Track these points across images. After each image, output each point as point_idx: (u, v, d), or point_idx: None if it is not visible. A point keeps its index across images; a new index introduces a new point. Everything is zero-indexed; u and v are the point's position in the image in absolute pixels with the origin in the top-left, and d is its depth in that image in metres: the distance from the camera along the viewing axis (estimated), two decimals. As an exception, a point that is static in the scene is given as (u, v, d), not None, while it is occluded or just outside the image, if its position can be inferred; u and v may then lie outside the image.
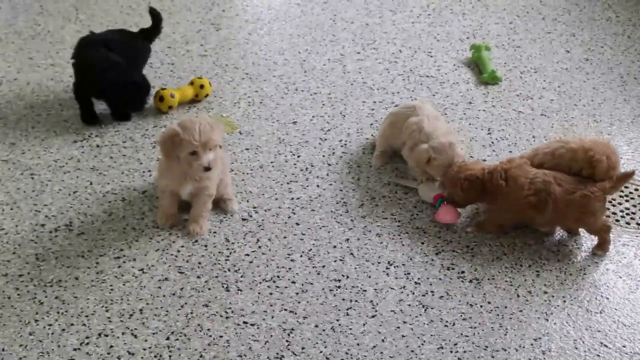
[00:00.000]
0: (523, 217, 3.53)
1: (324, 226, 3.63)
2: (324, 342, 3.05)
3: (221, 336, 3.06)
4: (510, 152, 4.11)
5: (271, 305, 3.20)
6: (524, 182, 3.43)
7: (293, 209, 3.72)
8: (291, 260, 3.43)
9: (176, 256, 3.42)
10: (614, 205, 3.80)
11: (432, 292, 3.29)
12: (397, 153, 4.00)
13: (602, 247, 3.53)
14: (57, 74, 4.67)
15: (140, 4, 5.54)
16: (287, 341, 3.05)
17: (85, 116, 4.28)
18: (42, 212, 3.63)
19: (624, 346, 3.08)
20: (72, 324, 3.08)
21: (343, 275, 3.36)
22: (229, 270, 3.36)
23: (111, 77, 4.11)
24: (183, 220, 3.60)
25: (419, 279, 3.35)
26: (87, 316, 3.11)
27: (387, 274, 3.37)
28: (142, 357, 2.96)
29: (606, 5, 5.80)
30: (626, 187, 3.91)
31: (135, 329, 3.07)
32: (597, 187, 3.39)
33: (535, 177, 3.44)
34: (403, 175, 3.96)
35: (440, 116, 3.96)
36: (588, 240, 3.58)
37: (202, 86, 4.43)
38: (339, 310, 3.20)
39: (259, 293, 3.25)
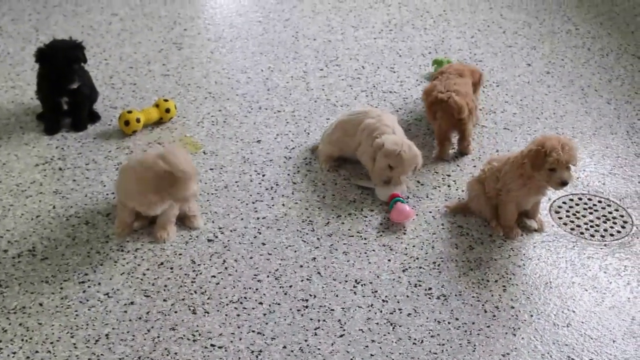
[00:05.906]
0: None
1: (290, 245, 3.61)
2: (293, 363, 3.04)
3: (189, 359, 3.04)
4: (475, 166, 4.13)
5: (238, 327, 3.18)
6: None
7: (259, 229, 3.70)
8: (258, 280, 3.42)
9: (142, 279, 3.39)
10: (577, 218, 3.83)
11: (399, 309, 3.29)
12: (348, 159, 4.12)
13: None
14: (18, 97, 4.63)
15: (101, 23, 5.51)
16: (255, 363, 3.04)
17: (49, 127, 4.32)
18: (5, 237, 3.59)
19: (591, 359, 3.10)
20: (37, 351, 3.03)
21: (310, 295, 3.35)
22: (195, 292, 3.34)
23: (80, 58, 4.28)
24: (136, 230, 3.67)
25: (386, 296, 3.35)
26: (52, 343, 3.07)
27: (355, 293, 3.36)
28: (108, 384, 2.94)
29: (566, 18, 5.87)
30: (590, 200, 3.94)
31: (102, 354, 3.04)
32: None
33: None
34: (362, 178, 4.02)
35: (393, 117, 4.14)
36: (554, 254, 3.60)
37: (167, 110, 4.41)
38: (307, 330, 3.18)
39: (226, 315, 3.23)
